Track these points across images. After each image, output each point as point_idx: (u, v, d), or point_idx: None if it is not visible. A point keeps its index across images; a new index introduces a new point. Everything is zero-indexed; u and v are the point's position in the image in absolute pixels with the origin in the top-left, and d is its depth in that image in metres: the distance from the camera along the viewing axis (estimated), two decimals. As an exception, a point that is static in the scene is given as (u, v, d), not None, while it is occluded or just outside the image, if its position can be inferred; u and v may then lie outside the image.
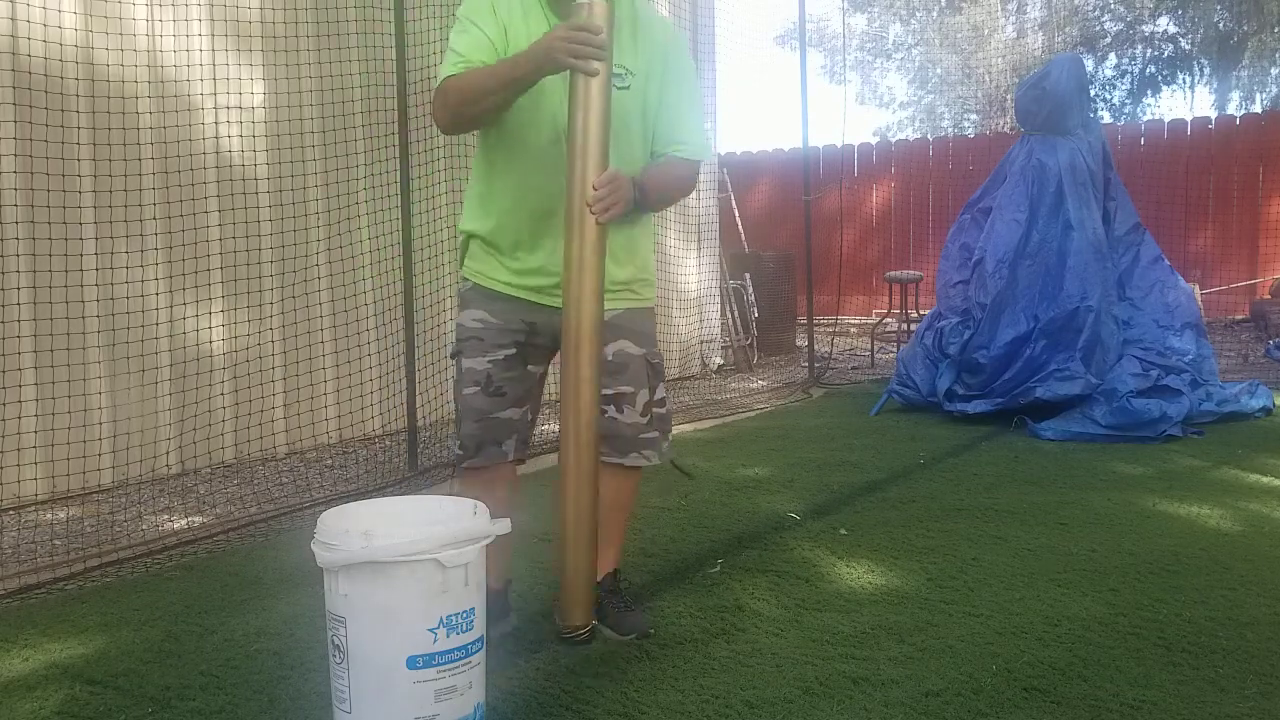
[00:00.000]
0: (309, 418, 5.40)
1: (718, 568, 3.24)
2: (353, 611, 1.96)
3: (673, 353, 8.32)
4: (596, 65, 2.32)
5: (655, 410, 2.68)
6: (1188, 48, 20.52)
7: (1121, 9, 20.57)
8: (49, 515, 4.20)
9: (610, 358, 2.58)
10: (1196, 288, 9.06)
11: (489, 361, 2.58)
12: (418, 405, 4.93)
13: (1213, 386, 5.74)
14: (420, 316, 5.24)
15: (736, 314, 9.10)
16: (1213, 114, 16.93)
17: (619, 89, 2.47)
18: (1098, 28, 20.97)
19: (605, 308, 2.51)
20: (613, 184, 2.41)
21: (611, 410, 2.60)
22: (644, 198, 2.52)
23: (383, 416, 5.73)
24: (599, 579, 2.63)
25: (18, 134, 4.32)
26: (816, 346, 8.35)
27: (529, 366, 2.65)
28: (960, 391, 5.96)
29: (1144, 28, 20.86)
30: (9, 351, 4.27)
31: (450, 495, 2.34)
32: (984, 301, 5.89)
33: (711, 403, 6.95)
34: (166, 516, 4.14)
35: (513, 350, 2.60)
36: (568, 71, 2.35)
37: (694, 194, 8.52)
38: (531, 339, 2.62)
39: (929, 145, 13.99)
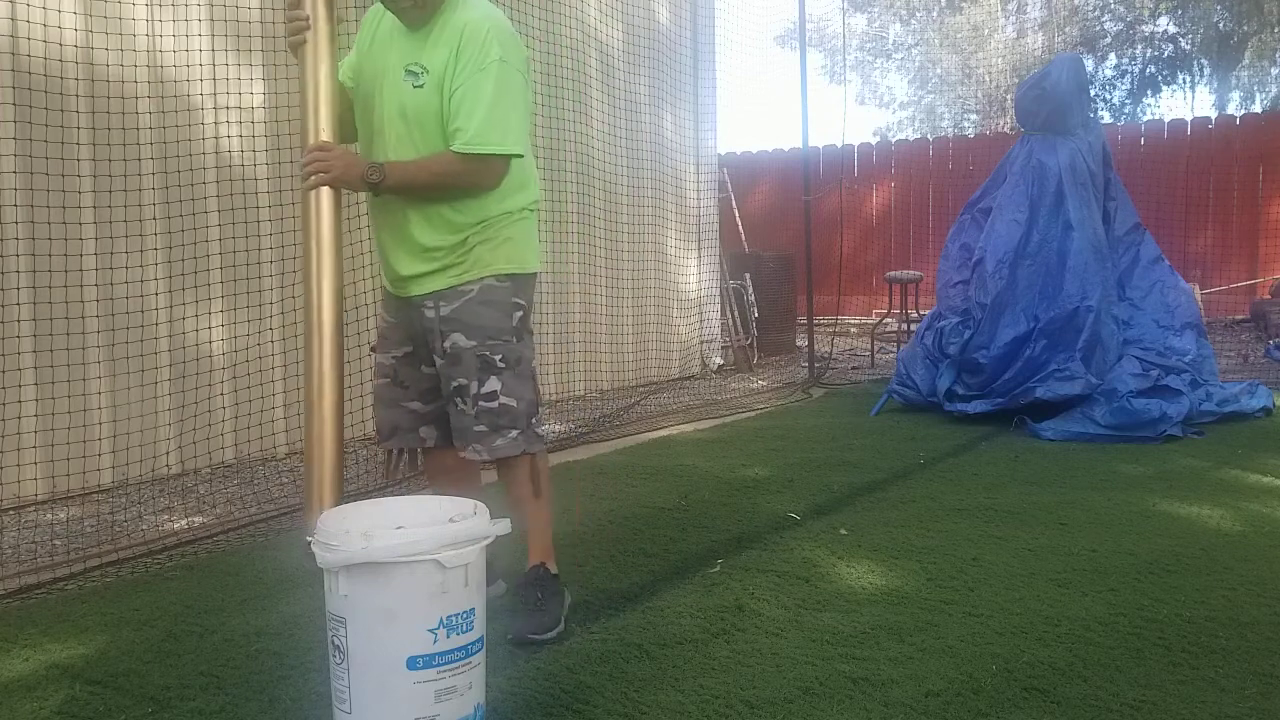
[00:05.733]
0: (309, 418, 5.39)
1: (718, 568, 3.23)
2: (353, 612, 1.96)
3: (673, 353, 8.32)
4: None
5: (483, 404, 2.64)
6: (1188, 48, 20.52)
7: (1121, 9, 20.57)
8: (49, 515, 4.20)
9: (449, 350, 2.66)
10: (1196, 288, 9.06)
11: (393, 358, 2.80)
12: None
13: (1213, 386, 5.74)
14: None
15: (736, 314, 9.10)
16: (1213, 114, 16.94)
17: (414, 88, 2.58)
18: (1098, 28, 20.97)
19: (429, 289, 2.65)
20: (320, 152, 2.52)
21: (457, 402, 2.69)
22: (384, 179, 2.53)
23: (383, 416, 5.72)
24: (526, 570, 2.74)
25: (18, 134, 4.32)
26: (816, 347, 8.35)
27: (423, 368, 2.77)
28: (960, 391, 5.96)
29: (1144, 28, 20.87)
30: (9, 351, 4.27)
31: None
32: (984, 301, 5.89)
33: (711, 403, 6.95)
34: (166, 516, 4.14)
35: (410, 348, 2.78)
36: (385, 77, 2.61)
37: (694, 194, 8.63)
38: (420, 339, 2.74)
39: (929, 145, 13.99)
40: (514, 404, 2.67)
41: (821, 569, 3.20)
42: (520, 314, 2.71)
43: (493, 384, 2.64)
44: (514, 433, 2.67)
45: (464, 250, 2.63)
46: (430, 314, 2.68)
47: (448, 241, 2.63)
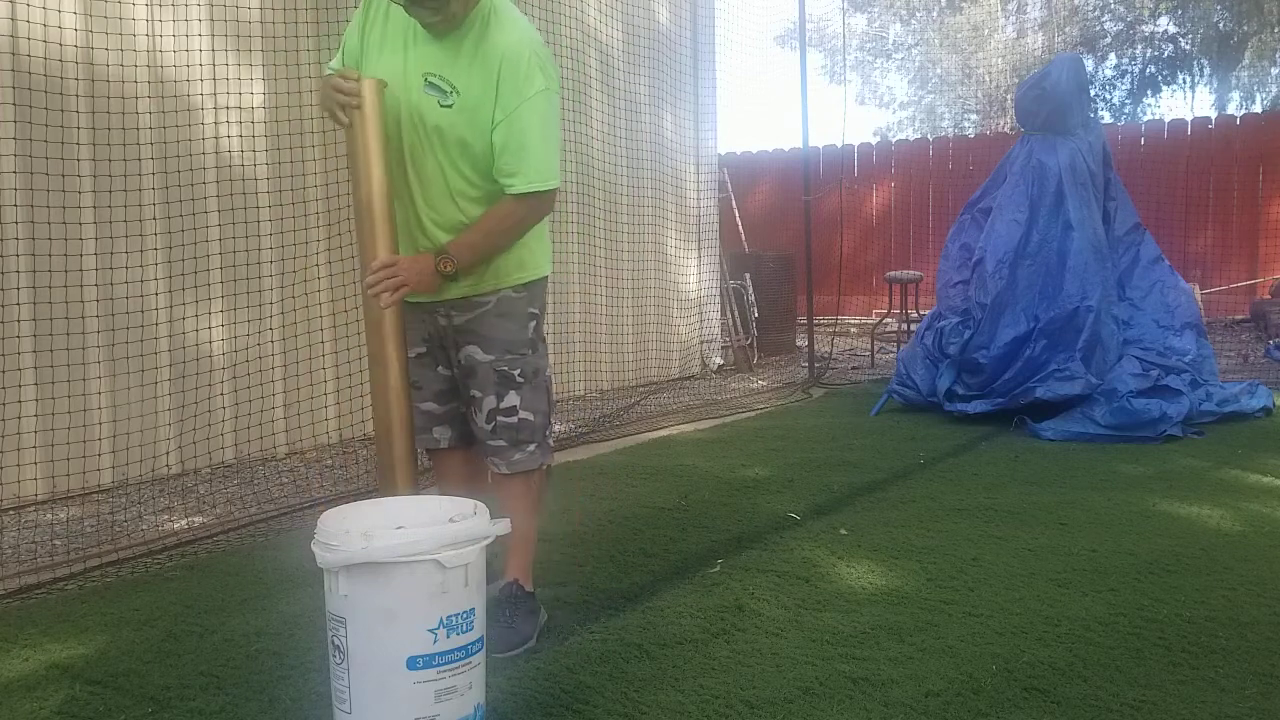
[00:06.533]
0: (309, 418, 5.40)
1: (718, 568, 3.23)
2: (353, 612, 1.95)
3: (673, 353, 8.32)
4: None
5: (502, 419, 2.63)
6: (1188, 48, 20.53)
7: (1121, 9, 20.58)
8: (49, 515, 4.20)
9: (462, 362, 2.65)
10: (1196, 288, 9.07)
11: (408, 357, 2.70)
12: (418, 405, 4.93)
13: (1213, 386, 5.74)
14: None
15: (736, 314, 9.10)
16: (1213, 114, 16.94)
17: (442, 106, 2.49)
18: (1098, 28, 20.98)
19: (443, 296, 2.60)
20: (386, 269, 2.44)
21: (470, 412, 2.68)
22: (458, 266, 2.49)
23: (383, 416, 5.72)
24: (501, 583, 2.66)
25: (18, 134, 4.32)
26: (816, 346, 8.35)
27: (439, 369, 2.73)
28: (960, 391, 5.96)
29: (1144, 28, 20.88)
30: (9, 351, 4.27)
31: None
32: (984, 301, 5.89)
33: (711, 403, 6.95)
34: (166, 516, 4.14)
35: (423, 349, 2.73)
36: (398, 81, 2.51)
37: (694, 194, 8.63)
38: (434, 341, 2.71)
39: (929, 145, 13.99)
40: (532, 418, 2.67)
41: (821, 569, 3.20)
42: (535, 323, 2.69)
43: (512, 399, 2.63)
44: (532, 446, 2.68)
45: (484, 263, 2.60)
46: (443, 321, 2.66)
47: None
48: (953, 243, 6.41)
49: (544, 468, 2.75)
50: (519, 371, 2.64)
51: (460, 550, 1.98)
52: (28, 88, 4.32)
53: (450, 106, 2.49)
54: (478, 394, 2.64)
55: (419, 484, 2.76)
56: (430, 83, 2.51)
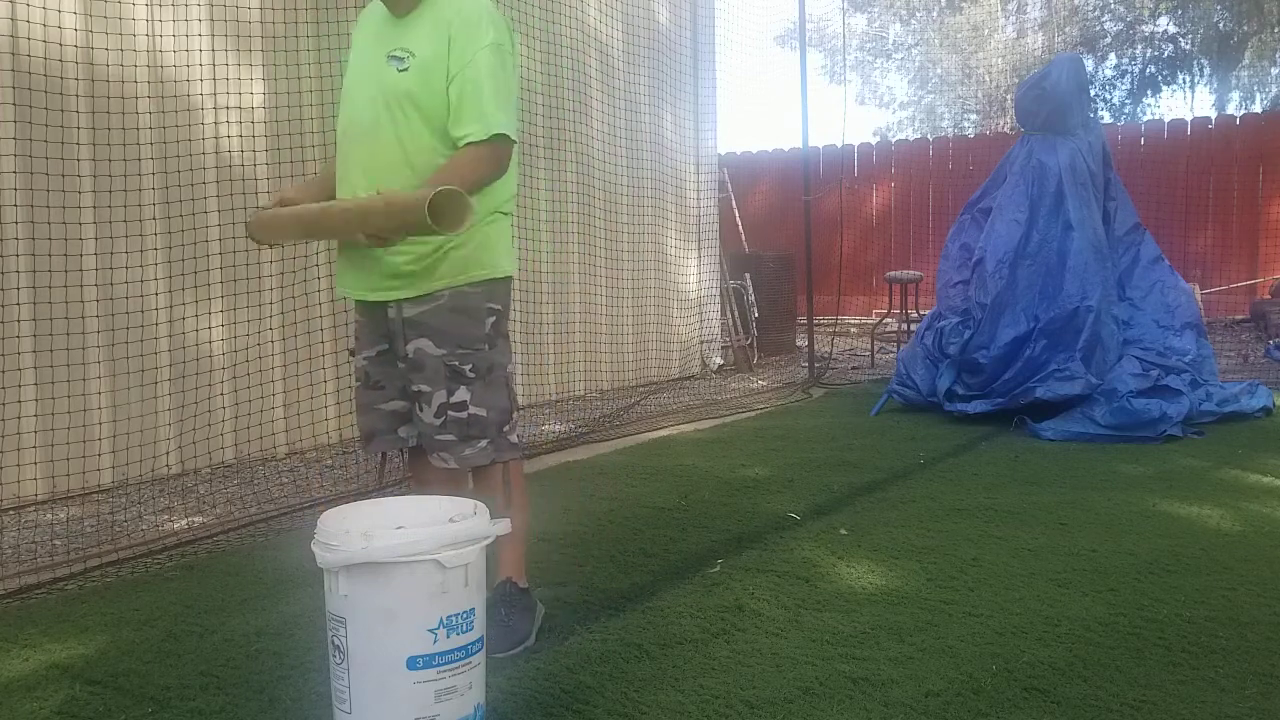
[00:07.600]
0: (309, 418, 5.40)
1: (718, 568, 3.23)
2: (353, 612, 1.96)
3: (673, 353, 8.32)
4: None
5: (452, 414, 2.57)
6: (1188, 48, 20.54)
7: (1121, 9, 20.58)
8: (49, 515, 4.20)
9: (411, 355, 2.59)
10: (1196, 288, 9.07)
11: (365, 358, 2.72)
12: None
13: (1213, 386, 5.74)
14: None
15: (736, 314, 9.10)
16: (1213, 114, 16.94)
17: (399, 71, 2.52)
18: (1098, 28, 20.98)
19: (394, 296, 2.57)
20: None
21: (418, 407, 2.62)
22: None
23: (383, 416, 5.72)
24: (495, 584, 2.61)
25: (18, 134, 4.32)
26: (816, 347, 8.35)
27: (400, 364, 2.66)
28: (960, 391, 5.96)
29: (1144, 28, 20.88)
30: (9, 351, 4.27)
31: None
32: (984, 301, 5.89)
33: (711, 403, 6.95)
34: (166, 516, 4.14)
35: (384, 345, 2.68)
36: (368, 68, 2.58)
37: (694, 194, 8.63)
38: (389, 338, 2.65)
39: (929, 145, 13.99)
40: (484, 413, 2.60)
41: (821, 569, 3.20)
42: (494, 319, 2.63)
43: (462, 394, 2.57)
44: (483, 442, 2.60)
45: (438, 256, 2.55)
46: (393, 314, 2.60)
47: (422, 253, 2.53)
48: (953, 243, 6.41)
49: (506, 463, 2.67)
50: (470, 367, 2.58)
51: (460, 550, 1.98)
52: (28, 88, 4.32)
53: (406, 70, 2.52)
54: (426, 388, 2.58)
55: (402, 486, 2.73)
56: (391, 56, 2.55)
